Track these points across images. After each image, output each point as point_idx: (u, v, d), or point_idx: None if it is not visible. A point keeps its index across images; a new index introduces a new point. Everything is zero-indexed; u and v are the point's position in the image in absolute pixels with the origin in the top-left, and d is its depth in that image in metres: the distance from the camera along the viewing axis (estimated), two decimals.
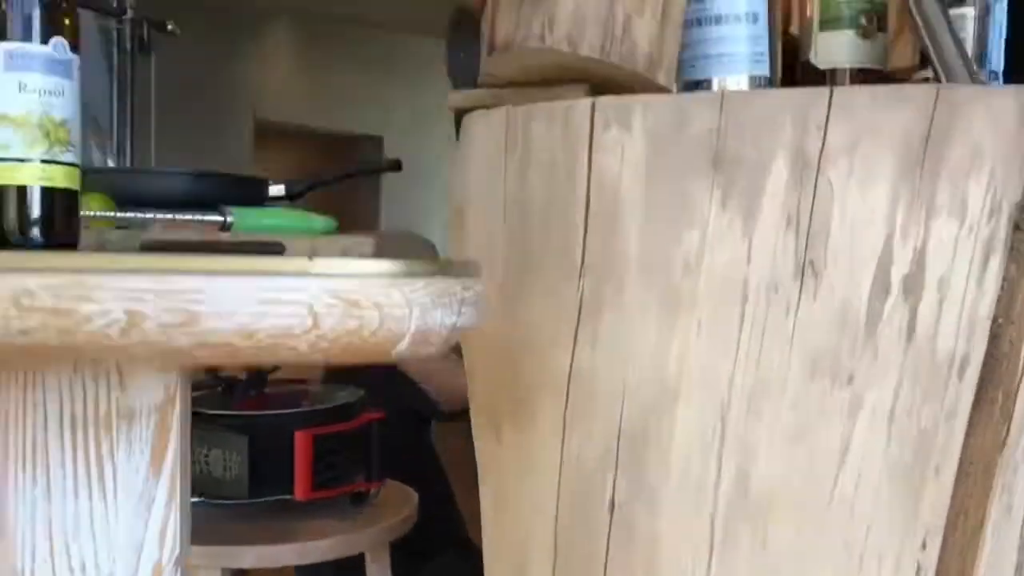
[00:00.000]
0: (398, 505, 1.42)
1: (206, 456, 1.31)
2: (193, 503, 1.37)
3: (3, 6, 0.50)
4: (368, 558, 1.35)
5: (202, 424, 1.36)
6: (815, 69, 0.68)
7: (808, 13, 0.70)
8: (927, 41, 0.62)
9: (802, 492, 0.57)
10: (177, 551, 0.47)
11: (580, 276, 0.62)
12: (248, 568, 1.29)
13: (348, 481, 1.41)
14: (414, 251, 1.89)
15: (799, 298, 0.56)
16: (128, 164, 1.87)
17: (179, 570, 0.47)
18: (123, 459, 0.46)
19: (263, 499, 1.31)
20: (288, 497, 1.30)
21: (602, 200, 0.60)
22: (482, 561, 0.77)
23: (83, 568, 0.45)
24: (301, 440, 1.29)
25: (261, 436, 1.30)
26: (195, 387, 1.49)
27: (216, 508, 1.35)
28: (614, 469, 0.62)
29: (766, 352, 0.57)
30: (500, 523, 0.72)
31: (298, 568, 1.61)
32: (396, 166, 1.41)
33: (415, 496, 1.46)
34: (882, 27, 0.67)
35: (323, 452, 1.33)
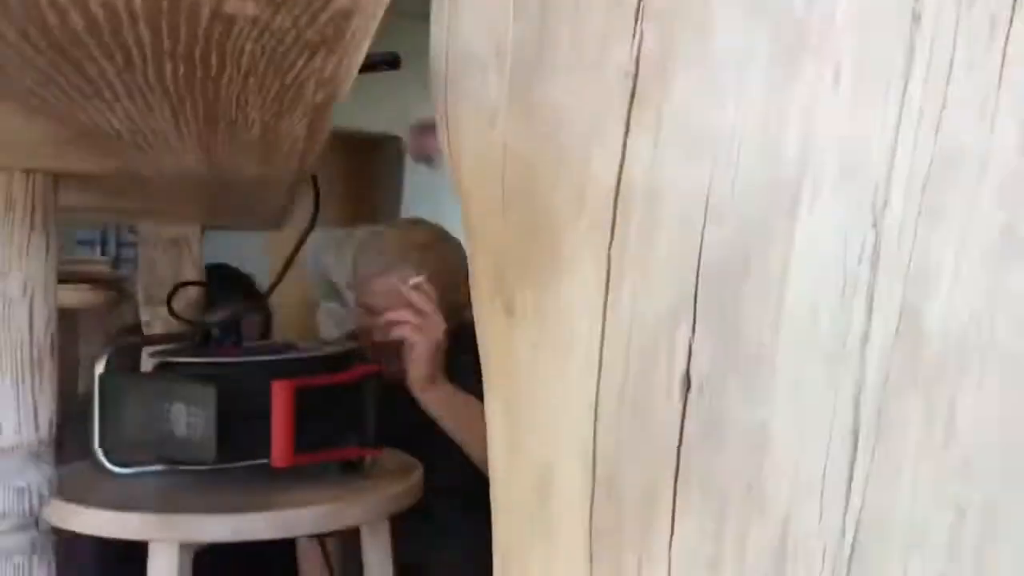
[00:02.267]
0: (400, 475, 1.19)
1: (168, 411, 1.09)
2: (152, 471, 1.15)
3: None
4: (364, 532, 1.12)
5: (163, 374, 1.14)
6: None
7: None
8: None
9: (1015, 338, 0.34)
10: None
11: (637, 23, 0.39)
12: (214, 543, 1.06)
13: (337, 444, 1.18)
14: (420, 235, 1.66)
15: (1013, 9, 0.33)
16: None
17: None
18: None
19: (234, 464, 1.08)
20: (264, 462, 1.08)
21: None
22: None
23: None
24: (279, 392, 1.07)
25: (232, 387, 1.07)
26: (168, 339, 1.28)
27: (177, 475, 1.13)
28: (690, 326, 0.39)
29: (953, 110, 0.34)
30: (514, 435, 0.49)
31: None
32: (394, 63, 1.20)
33: (419, 466, 1.23)
34: None
35: (307, 408, 1.10)
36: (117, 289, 1.71)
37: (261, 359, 1.14)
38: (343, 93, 0.42)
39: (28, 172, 0.67)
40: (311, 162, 0.69)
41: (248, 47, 0.31)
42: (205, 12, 0.27)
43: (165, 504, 1.02)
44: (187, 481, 1.12)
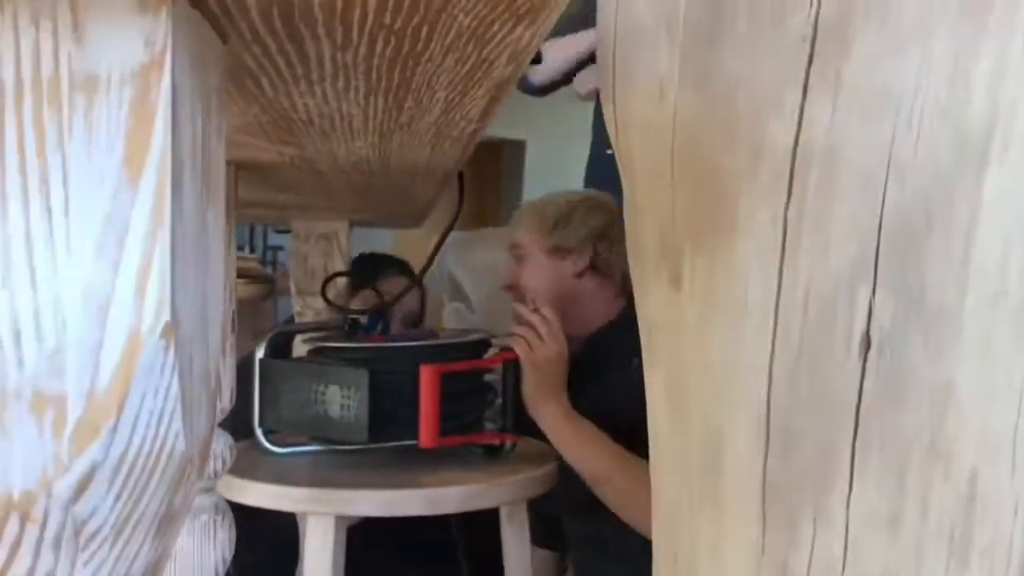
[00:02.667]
0: (537, 460, 1.21)
1: (323, 393, 1.15)
2: (307, 450, 1.22)
3: None
4: (504, 515, 1.15)
5: (319, 359, 1.20)
6: None
7: None
8: None
9: None
10: (167, 315, 0.28)
11: None
12: (366, 516, 1.12)
13: (479, 429, 1.22)
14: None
15: None
16: None
17: (170, 346, 0.28)
18: (79, 155, 0.28)
19: (384, 444, 1.13)
20: (412, 443, 1.13)
21: None
22: None
23: (16, 333, 0.27)
24: (427, 375, 1.11)
25: (382, 371, 1.13)
26: (318, 327, 1.35)
27: (331, 455, 1.19)
28: (870, 286, 0.39)
29: None
30: (679, 402, 0.50)
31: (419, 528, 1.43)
32: (536, 60, 1.23)
33: (554, 454, 1.26)
34: None
35: (451, 393, 1.15)
36: (268, 282, 1.81)
37: (409, 344, 1.19)
38: (524, 68, 0.44)
39: None
40: (469, 152, 0.73)
41: (460, 19, 0.33)
42: None
43: (321, 480, 1.08)
44: (340, 460, 1.18)
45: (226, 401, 0.74)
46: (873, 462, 0.40)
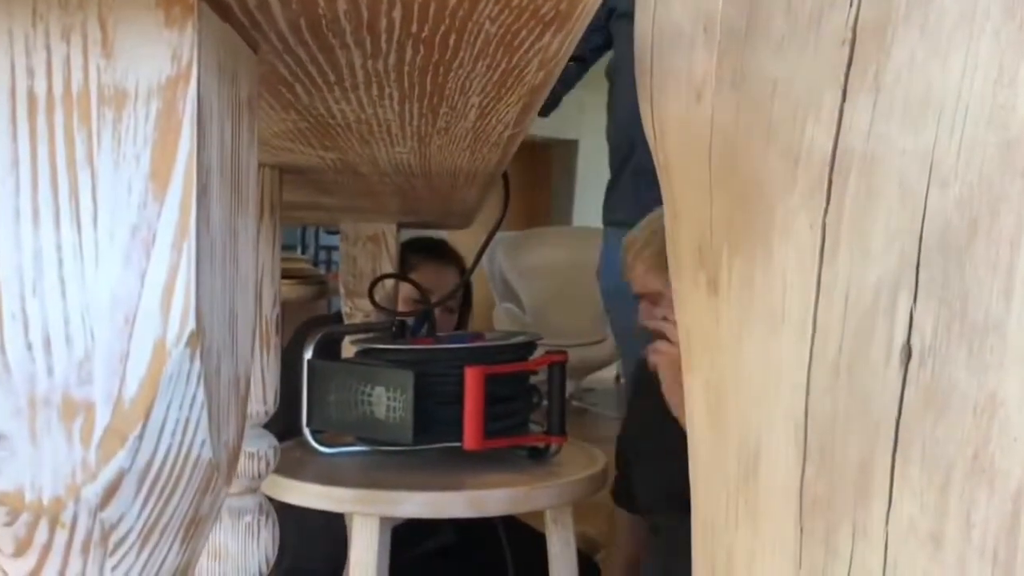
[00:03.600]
0: (584, 464, 1.21)
1: (369, 395, 1.16)
2: (353, 451, 1.23)
3: None
4: (549, 517, 1.15)
5: (365, 360, 1.21)
6: None
7: None
8: None
9: None
10: (192, 324, 0.28)
11: None
12: (411, 518, 1.12)
13: (525, 431, 1.22)
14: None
15: None
16: None
17: (195, 355, 0.29)
18: (107, 167, 0.28)
19: (429, 445, 1.14)
20: (457, 444, 1.13)
21: None
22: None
23: (46, 340, 0.28)
24: (472, 377, 1.12)
25: (428, 372, 1.13)
26: (367, 328, 1.36)
27: (377, 455, 1.20)
28: (911, 294, 0.38)
29: None
30: (717, 411, 0.49)
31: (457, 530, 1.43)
32: (580, 60, 1.22)
33: (603, 458, 1.25)
34: None
35: (497, 394, 1.15)
36: (320, 283, 1.83)
37: (455, 347, 1.19)
38: (557, 75, 0.44)
39: (259, 166, 0.73)
40: (510, 155, 0.72)
41: (486, 27, 0.33)
42: None
43: (367, 481, 1.09)
44: (386, 461, 1.19)
45: (270, 404, 0.75)
46: (914, 477, 0.39)
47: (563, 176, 6.89)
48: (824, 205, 0.41)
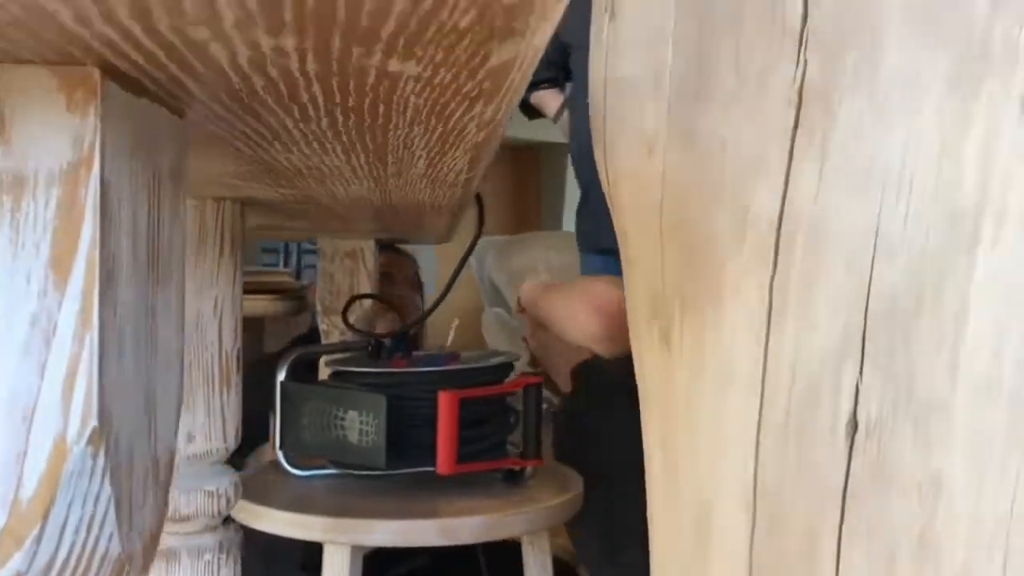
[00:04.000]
0: (561, 487, 1.19)
1: (342, 418, 1.14)
2: (326, 474, 1.22)
3: None
4: (525, 543, 1.14)
5: (338, 383, 1.20)
6: None
7: None
8: None
9: None
10: (94, 420, 0.27)
11: (800, 51, 0.38)
12: (383, 547, 1.11)
13: (500, 454, 1.21)
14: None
15: None
16: None
17: (99, 452, 0.27)
18: (5, 255, 0.27)
19: (402, 470, 1.13)
20: (430, 469, 1.12)
21: None
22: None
23: None
24: (446, 402, 1.10)
25: (401, 396, 1.12)
26: (342, 348, 1.34)
27: (349, 479, 1.19)
28: (856, 366, 0.37)
29: None
30: (670, 468, 0.48)
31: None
32: (553, 83, 1.22)
33: (579, 479, 1.24)
34: None
35: (471, 418, 1.13)
36: (299, 298, 1.82)
37: (428, 370, 1.18)
38: (503, 131, 0.43)
39: (218, 200, 0.72)
40: (474, 189, 0.71)
41: (412, 100, 0.32)
42: (371, 73, 0.28)
43: (338, 508, 1.08)
44: (359, 485, 1.17)
45: (231, 441, 0.74)
46: (859, 551, 0.38)
47: (552, 180, 6.87)
48: (772, 269, 0.40)
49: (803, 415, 0.39)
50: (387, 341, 1.32)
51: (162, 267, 0.33)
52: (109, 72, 0.27)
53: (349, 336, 1.41)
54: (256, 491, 1.13)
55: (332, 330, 1.44)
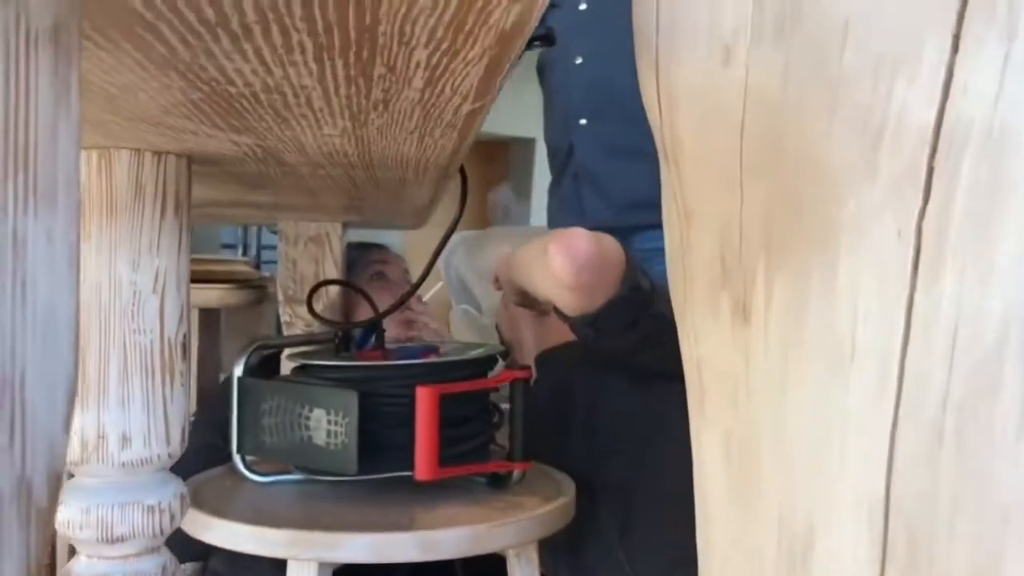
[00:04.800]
0: (549, 493, 1.08)
1: (307, 418, 1.02)
2: (291, 479, 1.09)
3: None
4: (511, 554, 1.02)
5: (303, 378, 1.07)
6: None
7: None
8: None
9: None
10: None
11: None
12: (353, 564, 0.99)
13: (484, 457, 1.09)
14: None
15: None
16: None
17: None
18: None
19: (376, 475, 1.00)
20: (408, 474, 1.00)
21: None
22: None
23: None
24: (424, 398, 0.98)
25: (374, 392, 1.00)
26: (307, 341, 1.22)
27: (317, 486, 1.07)
28: None
29: None
30: (743, 482, 0.37)
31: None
32: (549, 40, 1.10)
33: (570, 483, 1.12)
34: None
35: (452, 416, 1.02)
36: (258, 288, 1.69)
37: (404, 363, 1.06)
38: (540, 9, 0.31)
39: (158, 155, 0.60)
40: (468, 142, 0.59)
41: None
42: None
43: (303, 519, 0.95)
44: (327, 492, 1.05)
45: (176, 444, 0.61)
46: None
47: (521, 175, 6.78)
48: (921, 203, 0.29)
49: (971, 405, 0.28)
50: (356, 333, 1.20)
51: (40, 173, 0.21)
52: None
53: (315, 328, 1.29)
54: (211, 500, 1.00)
55: (296, 321, 1.31)
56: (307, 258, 1.30)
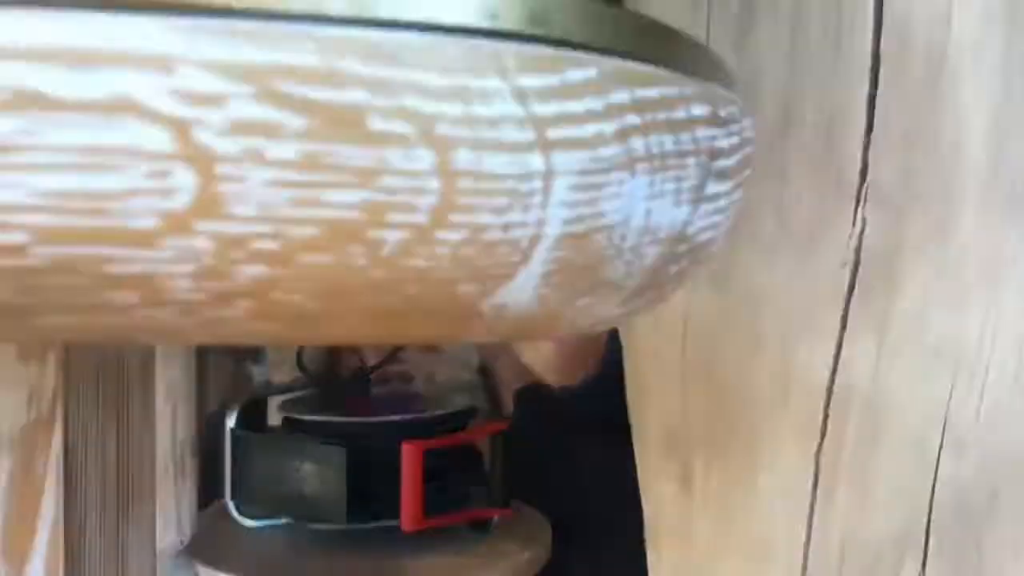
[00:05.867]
0: (530, 535, 1.15)
1: (298, 470, 1.08)
2: (280, 524, 1.16)
3: None
4: None
5: (293, 432, 1.13)
6: None
7: None
8: None
9: None
10: None
11: (858, 207, 0.34)
12: None
13: (467, 505, 1.16)
14: None
15: None
16: None
17: None
18: None
19: (364, 525, 1.07)
20: (395, 523, 1.06)
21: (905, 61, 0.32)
22: None
23: None
24: (409, 454, 1.05)
25: (362, 447, 1.06)
26: (289, 388, 1.28)
27: (307, 534, 1.13)
28: (919, 560, 0.34)
29: None
30: None
31: None
32: None
33: (546, 525, 1.20)
34: None
35: (437, 469, 1.08)
36: None
37: (390, 420, 1.12)
38: None
39: None
40: None
41: None
42: None
43: (292, 569, 1.02)
44: (316, 539, 1.11)
45: (186, 534, 0.68)
46: None
47: None
48: (819, 439, 0.36)
49: None
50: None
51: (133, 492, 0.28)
52: None
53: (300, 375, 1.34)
54: (202, 547, 1.06)
55: (282, 365, 1.37)
56: None
